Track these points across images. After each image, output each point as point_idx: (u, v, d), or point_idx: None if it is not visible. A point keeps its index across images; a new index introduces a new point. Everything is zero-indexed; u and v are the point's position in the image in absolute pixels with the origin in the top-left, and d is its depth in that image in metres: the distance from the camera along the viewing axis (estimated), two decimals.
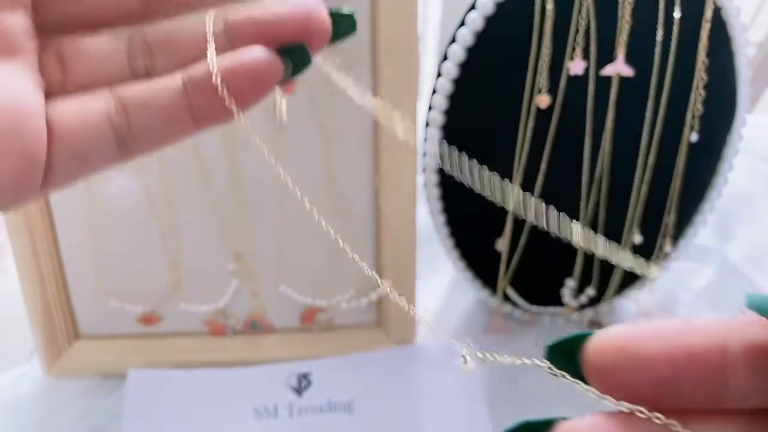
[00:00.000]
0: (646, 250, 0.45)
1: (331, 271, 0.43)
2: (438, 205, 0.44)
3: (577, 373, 0.14)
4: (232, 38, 0.18)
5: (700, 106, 0.41)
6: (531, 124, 0.40)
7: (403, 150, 0.40)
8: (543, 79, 0.39)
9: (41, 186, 0.17)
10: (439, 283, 0.52)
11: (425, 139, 0.43)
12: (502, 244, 0.44)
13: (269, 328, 0.46)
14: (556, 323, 0.49)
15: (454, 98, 0.41)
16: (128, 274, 0.44)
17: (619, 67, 0.39)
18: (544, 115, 0.40)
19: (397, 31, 0.37)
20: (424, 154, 0.43)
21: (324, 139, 0.40)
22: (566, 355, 0.14)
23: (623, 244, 0.44)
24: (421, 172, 0.44)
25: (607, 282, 0.46)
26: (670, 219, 0.44)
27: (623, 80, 0.39)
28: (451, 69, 0.40)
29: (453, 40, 0.40)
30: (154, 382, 0.43)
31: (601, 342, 0.14)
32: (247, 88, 0.17)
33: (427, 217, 0.46)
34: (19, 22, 0.18)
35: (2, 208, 0.17)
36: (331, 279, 0.45)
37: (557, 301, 0.47)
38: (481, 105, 0.41)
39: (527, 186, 0.42)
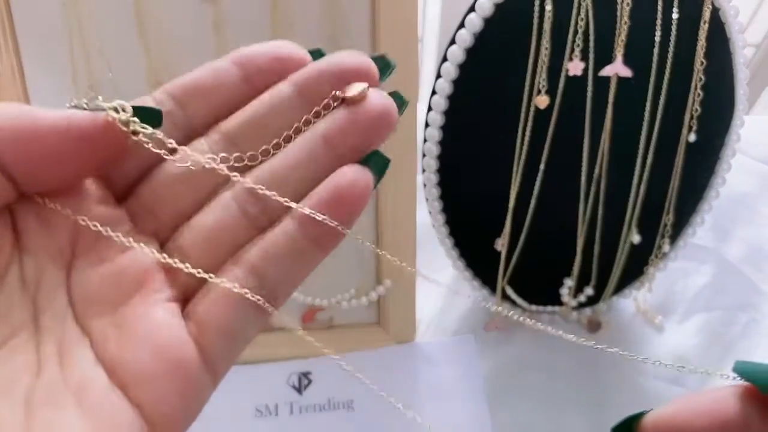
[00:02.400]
0: (645, 250, 0.45)
1: (331, 270, 0.44)
2: (438, 205, 0.44)
3: None
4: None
5: (698, 107, 0.41)
6: (530, 124, 0.40)
7: (403, 150, 0.40)
8: (542, 80, 0.39)
9: (212, 381, 0.18)
10: (439, 282, 0.53)
11: (425, 140, 0.43)
12: (501, 244, 0.44)
13: (269, 328, 0.47)
14: (555, 322, 0.50)
15: (453, 99, 0.41)
16: None
17: (617, 68, 0.39)
18: (543, 116, 0.40)
19: (397, 31, 0.37)
20: (424, 155, 0.43)
21: None
22: None
23: (622, 244, 0.44)
24: (421, 172, 0.44)
25: (605, 281, 0.46)
26: (668, 219, 0.44)
27: (622, 81, 0.40)
28: (451, 70, 0.40)
29: (452, 42, 0.40)
30: None
31: (654, 421, 0.17)
32: (354, 208, 0.19)
33: (427, 217, 0.46)
34: (147, 256, 0.18)
35: (189, 417, 0.18)
36: (331, 278, 0.45)
37: (556, 301, 0.47)
38: (481, 106, 0.41)
39: (526, 186, 0.42)
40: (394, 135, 0.41)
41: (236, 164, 0.19)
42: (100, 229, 0.18)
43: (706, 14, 0.39)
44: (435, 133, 0.42)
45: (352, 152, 0.19)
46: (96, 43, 0.37)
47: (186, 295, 0.19)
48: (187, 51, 0.37)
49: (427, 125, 0.42)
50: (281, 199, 0.18)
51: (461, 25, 0.39)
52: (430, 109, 0.42)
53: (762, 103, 0.82)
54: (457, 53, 0.40)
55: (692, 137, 0.41)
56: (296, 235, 0.18)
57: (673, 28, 0.39)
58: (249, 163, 0.19)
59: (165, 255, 0.19)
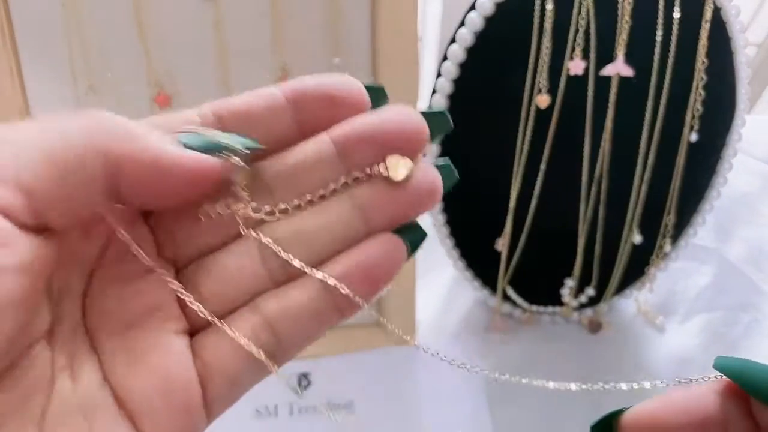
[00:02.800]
0: (646, 250, 0.45)
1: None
2: (438, 205, 0.44)
3: None
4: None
5: (699, 106, 0.41)
6: (531, 123, 0.40)
7: None
8: (543, 79, 0.39)
9: (207, 421, 0.18)
10: (439, 283, 0.53)
11: None
12: (501, 244, 0.44)
13: None
14: (557, 322, 0.49)
15: (454, 98, 0.41)
16: None
17: (618, 67, 0.39)
18: (544, 115, 0.40)
19: (397, 31, 0.37)
20: (424, 155, 0.43)
21: None
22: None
23: (623, 244, 0.44)
24: None
25: (606, 282, 0.46)
26: (669, 219, 0.44)
27: (623, 80, 0.39)
28: (451, 69, 0.40)
29: (453, 41, 0.40)
30: None
31: (633, 418, 0.17)
32: (388, 275, 0.18)
33: (427, 217, 0.46)
34: (166, 292, 0.18)
35: None
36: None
37: (557, 301, 0.47)
38: (481, 105, 0.41)
39: (527, 186, 0.42)
40: None
41: (266, 215, 0.18)
42: (131, 244, 0.18)
43: (708, 13, 0.39)
44: None
45: (389, 225, 0.18)
46: (96, 43, 0.37)
47: (195, 328, 0.18)
48: (187, 51, 0.37)
49: None
50: (307, 269, 0.18)
51: (462, 24, 0.39)
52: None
53: (763, 103, 0.82)
54: (457, 52, 0.39)
55: (693, 137, 0.41)
56: (319, 298, 0.18)
57: (675, 27, 0.39)
58: (279, 216, 0.19)
59: (182, 287, 0.18)
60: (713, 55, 0.40)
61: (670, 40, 0.39)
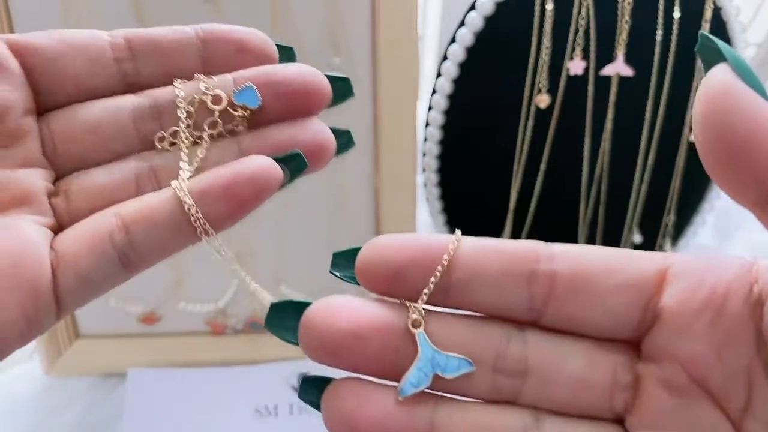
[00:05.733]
0: (646, 250, 0.45)
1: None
2: (438, 205, 0.44)
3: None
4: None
5: None
6: (531, 123, 0.40)
7: (403, 150, 0.40)
8: (543, 79, 0.39)
9: (56, 313, 0.18)
10: None
11: (425, 139, 0.43)
12: None
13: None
14: None
15: (454, 98, 0.41)
16: None
17: (618, 67, 0.39)
18: (543, 115, 0.40)
19: (397, 31, 0.37)
20: (424, 154, 0.43)
21: None
22: (347, 264, 0.17)
23: (623, 244, 0.44)
24: (421, 172, 0.44)
25: None
26: (669, 219, 0.44)
27: (623, 80, 0.39)
28: (451, 69, 0.40)
29: (453, 40, 0.40)
30: (154, 381, 0.43)
31: (367, 250, 0.17)
32: (250, 196, 0.18)
33: (427, 217, 0.46)
34: (33, 175, 0.19)
35: (24, 337, 0.17)
36: (331, 279, 0.45)
37: None
38: (481, 105, 0.41)
39: (527, 186, 0.42)
40: (394, 134, 0.41)
41: (159, 141, 0.19)
42: (23, 130, 0.18)
43: (708, 13, 0.39)
44: (435, 133, 0.42)
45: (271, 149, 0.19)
46: None
47: (61, 227, 0.19)
48: None
49: (427, 124, 0.42)
50: (173, 183, 0.18)
51: (462, 24, 0.39)
52: (430, 108, 0.41)
53: None
54: (457, 52, 0.39)
55: (693, 137, 0.41)
56: (174, 210, 0.18)
57: (675, 27, 0.39)
58: (170, 141, 0.19)
59: (53, 185, 0.19)
60: None
61: (670, 39, 0.39)
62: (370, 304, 0.16)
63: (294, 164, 0.19)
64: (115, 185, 0.19)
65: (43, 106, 0.19)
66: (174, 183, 0.18)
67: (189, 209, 0.18)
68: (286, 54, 0.20)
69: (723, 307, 0.15)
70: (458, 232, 0.17)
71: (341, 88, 0.20)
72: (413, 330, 0.16)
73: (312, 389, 0.17)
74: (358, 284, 0.17)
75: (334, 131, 0.20)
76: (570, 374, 0.16)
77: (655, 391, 0.15)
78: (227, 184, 0.18)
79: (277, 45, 0.20)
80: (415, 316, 0.16)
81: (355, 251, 0.17)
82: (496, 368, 0.16)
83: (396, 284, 0.16)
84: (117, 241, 0.18)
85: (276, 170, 0.18)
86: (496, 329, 0.16)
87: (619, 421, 0.16)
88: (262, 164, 0.18)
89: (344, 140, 0.20)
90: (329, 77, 0.19)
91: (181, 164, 0.19)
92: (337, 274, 0.18)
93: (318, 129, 0.19)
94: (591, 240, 0.44)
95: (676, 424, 0.15)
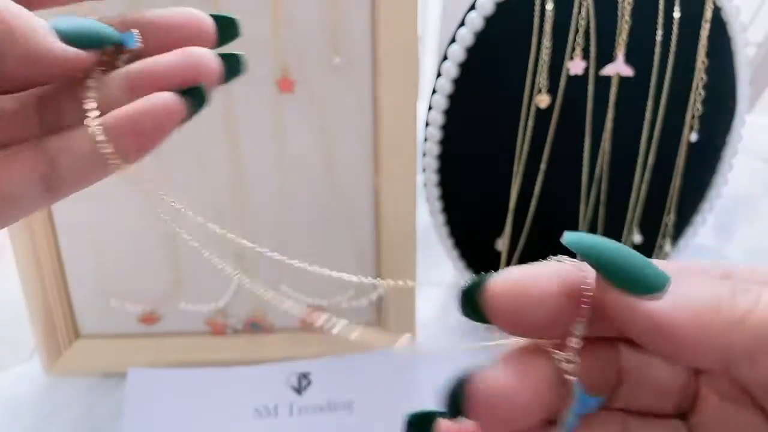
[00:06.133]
0: (646, 250, 0.45)
1: (331, 270, 0.43)
2: (438, 205, 0.44)
3: (482, 317, 0.17)
4: (132, 89, 0.20)
5: (699, 106, 0.41)
6: (531, 123, 0.40)
7: (403, 150, 0.40)
8: (543, 79, 0.39)
9: None
10: (439, 282, 0.52)
11: (425, 139, 0.43)
12: (502, 244, 0.44)
13: (269, 328, 0.46)
14: None
15: (454, 98, 0.41)
16: (128, 273, 0.44)
17: (618, 67, 0.39)
18: (543, 115, 0.40)
19: (397, 31, 0.37)
20: (424, 154, 0.43)
21: (324, 139, 0.40)
22: (471, 304, 0.17)
23: (623, 244, 0.44)
24: (421, 172, 0.44)
25: None
26: (669, 219, 0.44)
27: (623, 80, 0.39)
28: (451, 69, 0.40)
29: (453, 40, 0.40)
30: (154, 381, 0.43)
31: (498, 287, 0.17)
32: (158, 129, 0.19)
33: (427, 217, 0.46)
34: None
35: None
36: (331, 279, 0.45)
37: None
38: (481, 105, 0.41)
39: (527, 186, 0.42)
40: (394, 134, 0.40)
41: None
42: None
43: (708, 13, 0.39)
44: (435, 133, 0.42)
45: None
46: None
47: None
48: None
49: (427, 124, 0.42)
50: (89, 116, 0.19)
51: (462, 24, 0.39)
52: (430, 108, 0.41)
53: (764, 103, 0.82)
54: (457, 52, 0.39)
55: (694, 137, 0.41)
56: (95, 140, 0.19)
57: (675, 27, 0.39)
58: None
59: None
60: (713, 54, 0.40)
61: (670, 40, 0.39)
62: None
63: (195, 97, 0.20)
64: (19, 111, 0.20)
65: None
66: (86, 121, 0.19)
67: (99, 144, 0.19)
68: (226, 23, 0.21)
69: None
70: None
71: (227, 27, 0.21)
72: (569, 378, 0.16)
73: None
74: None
75: (223, 56, 0.20)
76: (656, 380, 0.18)
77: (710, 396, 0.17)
78: (133, 120, 0.19)
79: (214, 16, 0.20)
80: (569, 364, 0.16)
81: (477, 286, 0.18)
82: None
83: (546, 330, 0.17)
84: (41, 169, 0.19)
85: (177, 104, 0.19)
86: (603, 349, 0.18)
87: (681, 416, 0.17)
88: (165, 100, 0.19)
89: (233, 62, 0.21)
90: (215, 17, 0.20)
91: (88, 103, 0.20)
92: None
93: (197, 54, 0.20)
94: None
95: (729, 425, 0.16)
